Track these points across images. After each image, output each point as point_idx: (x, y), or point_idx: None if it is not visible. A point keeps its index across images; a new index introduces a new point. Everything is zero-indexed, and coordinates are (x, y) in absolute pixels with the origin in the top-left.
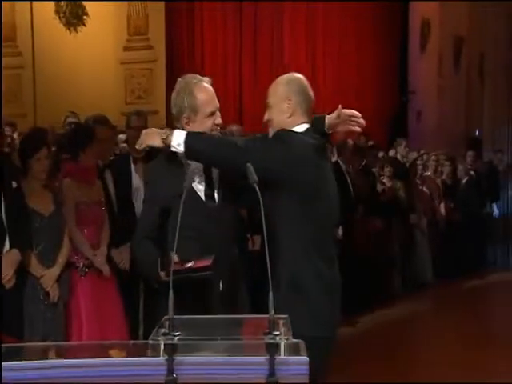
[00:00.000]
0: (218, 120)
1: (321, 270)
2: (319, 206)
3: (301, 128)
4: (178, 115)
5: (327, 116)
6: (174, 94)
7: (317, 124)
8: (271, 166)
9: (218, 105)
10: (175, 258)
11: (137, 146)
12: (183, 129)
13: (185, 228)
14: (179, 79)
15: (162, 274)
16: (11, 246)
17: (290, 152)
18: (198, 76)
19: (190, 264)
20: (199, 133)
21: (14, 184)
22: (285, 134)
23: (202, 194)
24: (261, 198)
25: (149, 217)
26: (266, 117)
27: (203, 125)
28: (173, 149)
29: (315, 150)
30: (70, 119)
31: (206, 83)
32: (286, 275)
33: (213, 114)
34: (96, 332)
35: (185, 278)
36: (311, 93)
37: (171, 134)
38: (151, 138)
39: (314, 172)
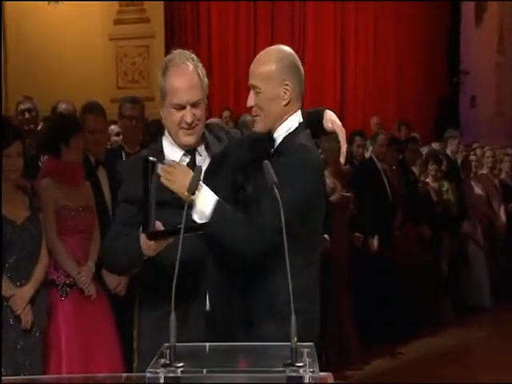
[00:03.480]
0: (188, 117)
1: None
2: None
3: (296, 118)
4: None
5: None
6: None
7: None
8: (309, 196)
9: (196, 99)
10: (159, 225)
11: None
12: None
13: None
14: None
15: (144, 240)
16: None
17: (316, 171)
18: (191, 55)
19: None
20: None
21: None
22: (304, 156)
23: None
24: (280, 201)
25: (124, 217)
26: (250, 102)
27: (169, 116)
28: (195, 217)
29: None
30: (22, 106)
31: (191, 67)
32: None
33: (182, 107)
34: (78, 365)
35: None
36: (303, 70)
37: (198, 193)
38: (179, 184)
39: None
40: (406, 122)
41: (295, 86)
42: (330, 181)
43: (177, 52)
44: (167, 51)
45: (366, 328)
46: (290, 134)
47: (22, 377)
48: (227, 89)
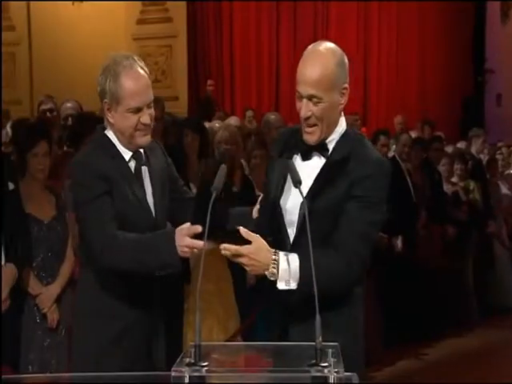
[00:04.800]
0: (146, 119)
1: None
2: None
3: (343, 117)
4: (100, 96)
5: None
6: (100, 70)
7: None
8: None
9: (151, 99)
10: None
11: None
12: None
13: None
14: (110, 54)
15: (190, 243)
16: (7, 260)
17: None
18: (134, 57)
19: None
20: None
21: (11, 186)
22: (387, 162)
23: (152, 208)
24: (305, 201)
25: (110, 211)
26: (307, 113)
27: (126, 120)
28: (280, 286)
29: None
30: (44, 106)
31: (140, 68)
32: None
33: (139, 110)
34: None
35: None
36: None
37: (277, 264)
38: (257, 271)
39: None
40: (429, 121)
41: (348, 85)
42: None
43: (119, 55)
44: (190, 50)
45: (390, 328)
46: (344, 136)
47: (22, 375)
48: (249, 88)
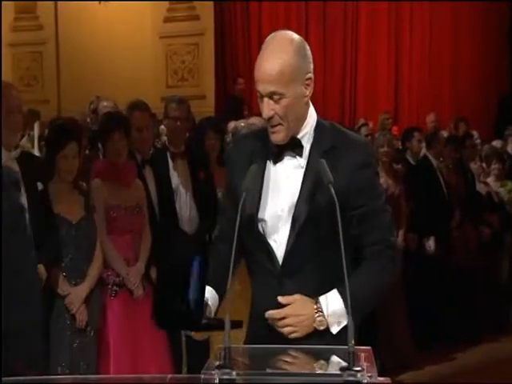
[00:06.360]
0: None
1: None
2: None
3: (312, 107)
4: None
5: None
6: None
7: None
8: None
9: (15, 104)
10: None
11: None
12: None
13: None
14: None
15: None
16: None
17: None
18: None
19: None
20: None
21: (40, 186)
22: (373, 156)
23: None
24: (336, 200)
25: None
26: (269, 112)
27: None
28: (334, 330)
29: None
30: (94, 106)
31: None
32: None
33: None
34: (127, 365)
35: None
36: None
37: (321, 311)
38: (307, 327)
39: None
40: (464, 118)
41: (313, 74)
42: (382, 180)
43: None
44: (217, 49)
45: (422, 331)
46: (318, 127)
47: (22, 377)
48: None
